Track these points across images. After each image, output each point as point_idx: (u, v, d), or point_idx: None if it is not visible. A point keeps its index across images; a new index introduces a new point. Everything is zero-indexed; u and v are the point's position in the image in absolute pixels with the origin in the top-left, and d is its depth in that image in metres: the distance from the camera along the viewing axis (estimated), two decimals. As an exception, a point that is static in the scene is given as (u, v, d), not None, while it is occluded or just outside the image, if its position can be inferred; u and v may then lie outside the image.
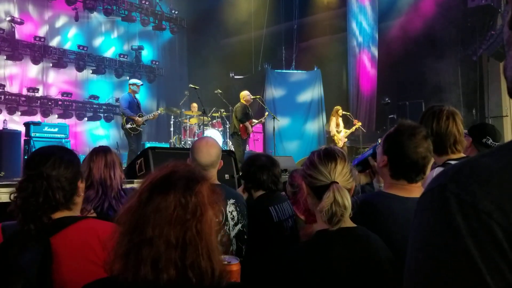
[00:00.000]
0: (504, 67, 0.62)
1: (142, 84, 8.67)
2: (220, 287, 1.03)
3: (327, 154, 1.60)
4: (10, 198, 1.47)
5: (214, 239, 1.05)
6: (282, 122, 12.08)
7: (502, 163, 0.53)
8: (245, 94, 8.68)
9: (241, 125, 8.42)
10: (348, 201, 1.49)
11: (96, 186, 2.20)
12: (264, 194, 2.66)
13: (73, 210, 1.58)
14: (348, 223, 1.54)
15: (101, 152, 2.32)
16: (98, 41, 13.57)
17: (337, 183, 1.52)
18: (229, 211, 2.36)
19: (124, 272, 1.00)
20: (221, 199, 1.13)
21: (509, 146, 0.57)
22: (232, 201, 2.41)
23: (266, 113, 9.32)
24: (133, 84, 8.23)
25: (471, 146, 2.76)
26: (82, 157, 2.50)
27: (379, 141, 1.96)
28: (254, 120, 9.04)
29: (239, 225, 2.35)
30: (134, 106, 8.06)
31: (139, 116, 7.99)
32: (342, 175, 1.56)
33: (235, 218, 2.39)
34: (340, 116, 9.93)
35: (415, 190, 1.81)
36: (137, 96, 8.28)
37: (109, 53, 13.60)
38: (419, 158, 1.76)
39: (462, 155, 2.19)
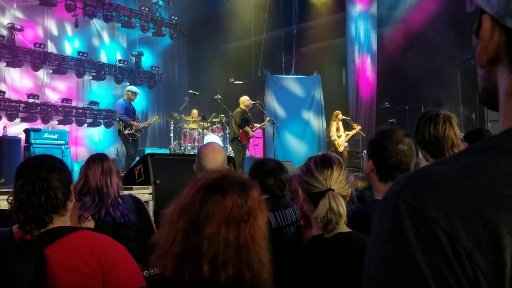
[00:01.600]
0: (475, 75, 0.64)
1: (139, 94, 8.72)
2: None
3: (324, 161, 1.61)
4: (7, 201, 1.48)
5: (264, 244, 1.07)
6: (281, 127, 12.09)
7: (454, 171, 0.54)
8: (244, 99, 8.70)
9: (240, 130, 8.42)
10: (343, 208, 1.50)
11: (93, 193, 2.21)
12: (267, 199, 2.64)
13: (66, 215, 1.58)
14: (343, 228, 1.55)
15: (97, 159, 2.33)
16: (98, 48, 13.61)
17: (333, 190, 1.52)
18: None
19: (179, 271, 1.00)
20: (267, 208, 1.15)
21: (462, 155, 0.58)
22: None
23: (268, 118, 9.33)
24: (132, 93, 8.26)
25: None
26: (81, 164, 2.51)
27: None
28: (256, 125, 9.05)
29: None
30: (130, 112, 8.09)
31: (136, 122, 8.01)
32: (338, 182, 1.56)
33: None
34: (340, 121, 9.95)
35: None
36: (132, 103, 8.30)
37: (109, 59, 13.64)
38: (401, 156, 1.81)
39: None
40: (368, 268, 0.57)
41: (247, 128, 8.49)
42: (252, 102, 8.80)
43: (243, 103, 8.66)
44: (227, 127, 10.36)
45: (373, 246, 0.58)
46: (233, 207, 1.03)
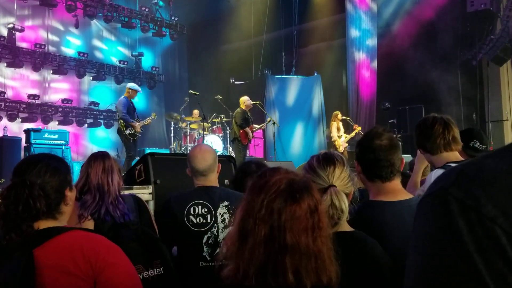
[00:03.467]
0: None
1: (140, 91, 8.66)
2: None
3: (326, 158, 1.61)
4: None
5: (330, 245, 1.11)
6: (282, 127, 12.08)
7: (506, 165, 0.50)
8: (245, 100, 8.69)
9: (241, 130, 8.41)
10: (345, 204, 1.49)
11: (93, 192, 2.19)
12: None
13: (59, 219, 1.54)
14: (345, 227, 1.54)
15: (99, 157, 2.32)
16: (98, 48, 13.62)
17: (335, 186, 1.52)
18: (220, 214, 2.40)
19: (262, 280, 1.02)
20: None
21: (511, 148, 0.55)
22: (225, 203, 2.44)
23: (269, 119, 9.31)
24: (133, 90, 8.16)
25: (460, 151, 2.81)
26: (81, 164, 2.50)
27: None
28: (255, 125, 9.04)
29: (230, 228, 2.35)
30: (131, 110, 7.99)
31: (136, 122, 7.94)
32: (340, 179, 1.56)
33: (226, 221, 2.41)
34: (340, 121, 9.94)
35: (400, 193, 1.84)
36: (133, 100, 8.22)
37: (109, 59, 13.65)
38: (378, 151, 1.80)
39: (460, 157, 2.21)
40: (414, 270, 0.53)
41: (247, 129, 8.48)
42: (252, 103, 8.79)
43: (243, 103, 8.65)
44: (228, 128, 10.35)
45: (419, 246, 0.53)
46: (307, 214, 1.05)
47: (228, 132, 10.19)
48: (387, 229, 1.69)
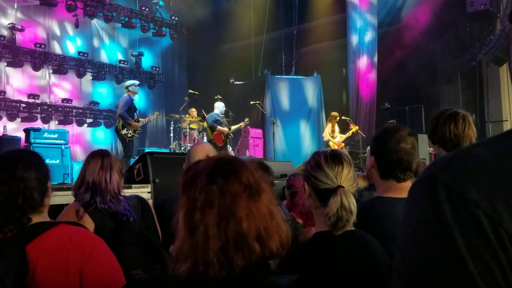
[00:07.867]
0: (509, 60, 0.62)
1: (138, 82, 8.59)
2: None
3: (334, 157, 1.57)
4: None
5: (276, 215, 1.06)
6: (282, 127, 12.08)
7: (493, 154, 0.53)
8: (217, 105, 8.71)
9: (214, 132, 8.40)
10: (354, 205, 1.47)
11: (89, 188, 2.16)
12: None
13: (44, 212, 1.56)
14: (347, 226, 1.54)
15: (97, 155, 2.30)
16: (98, 48, 13.63)
17: (343, 187, 1.50)
18: None
19: (195, 270, 0.98)
20: (264, 177, 1.12)
21: (501, 137, 0.57)
22: None
23: (247, 119, 9.26)
24: (132, 85, 8.02)
25: None
26: (81, 163, 2.48)
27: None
28: (232, 127, 8.98)
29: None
30: (132, 109, 7.86)
31: (135, 121, 7.82)
32: (347, 179, 1.54)
33: None
34: (337, 123, 9.85)
35: None
36: (135, 99, 8.11)
37: (109, 59, 13.65)
38: (403, 154, 1.81)
39: None
40: (401, 252, 0.56)
41: (219, 128, 8.43)
42: (252, 102, 8.78)
43: (216, 108, 8.64)
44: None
45: (407, 228, 0.56)
46: (246, 184, 1.02)
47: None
48: (397, 226, 1.67)
